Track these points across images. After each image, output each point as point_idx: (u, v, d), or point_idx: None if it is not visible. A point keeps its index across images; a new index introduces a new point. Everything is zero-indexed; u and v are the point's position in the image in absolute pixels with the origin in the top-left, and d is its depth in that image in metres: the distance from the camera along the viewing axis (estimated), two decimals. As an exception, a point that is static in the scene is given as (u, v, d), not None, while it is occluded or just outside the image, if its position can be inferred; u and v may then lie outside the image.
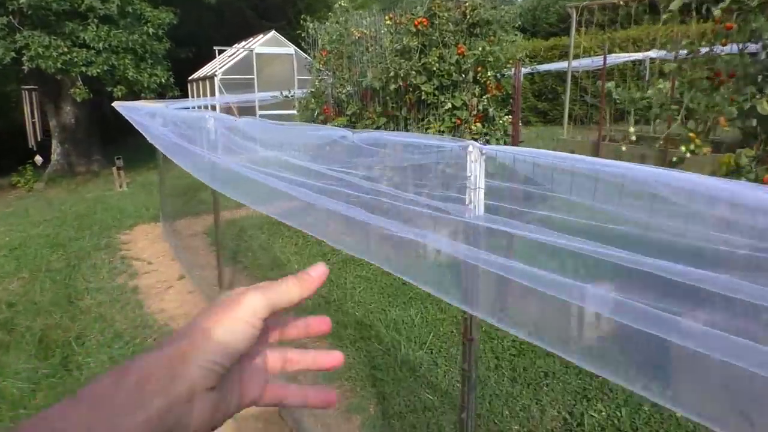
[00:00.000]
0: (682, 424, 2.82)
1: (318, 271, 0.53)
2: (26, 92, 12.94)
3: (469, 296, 1.63)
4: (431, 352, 3.75)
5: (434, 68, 4.88)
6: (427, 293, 4.69)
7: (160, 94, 12.48)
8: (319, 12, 27.60)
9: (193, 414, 0.42)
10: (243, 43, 14.11)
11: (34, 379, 3.90)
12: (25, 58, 10.26)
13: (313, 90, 6.78)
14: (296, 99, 7.39)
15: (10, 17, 10.16)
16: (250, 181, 2.69)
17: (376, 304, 4.55)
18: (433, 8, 4.82)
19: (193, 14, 16.54)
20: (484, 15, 4.83)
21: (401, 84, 5.06)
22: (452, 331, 3.99)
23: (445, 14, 4.82)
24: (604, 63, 8.66)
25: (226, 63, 13.24)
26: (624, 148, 6.20)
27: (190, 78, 15.20)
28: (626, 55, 11.76)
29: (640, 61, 12.05)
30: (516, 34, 5.08)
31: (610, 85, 9.80)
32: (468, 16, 4.92)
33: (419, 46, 4.92)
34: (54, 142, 14.36)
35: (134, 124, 5.98)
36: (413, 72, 4.90)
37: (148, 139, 5.27)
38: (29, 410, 3.51)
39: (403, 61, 4.96)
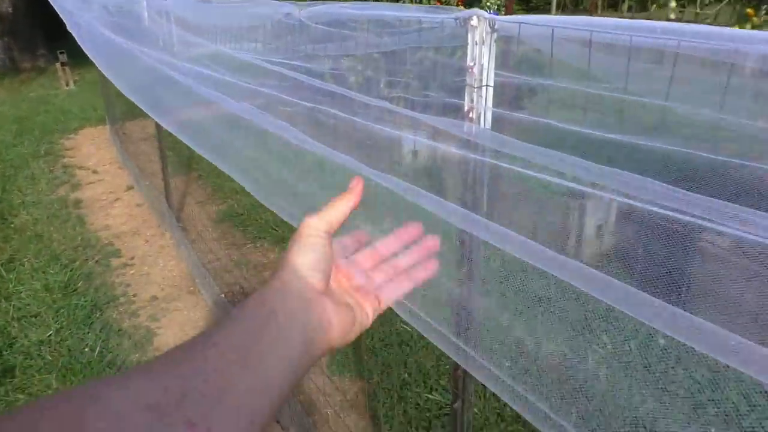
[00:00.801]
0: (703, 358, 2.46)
1: (356, 184, 0.55)
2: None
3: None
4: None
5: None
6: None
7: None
8: None
9: (322, 320, 0.48)
10: None
11: (-49, 312, 3.39)
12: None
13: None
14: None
15: None
16: (169, 83, 2.08)
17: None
18: None
19: None
20: None
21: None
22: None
23: None
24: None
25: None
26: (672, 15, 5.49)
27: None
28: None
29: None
30: None
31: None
32: None
33: None
34: (-9, 35, 13.02)
35: (61, 15, 5.09)
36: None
37: (76, 38, 4.47)
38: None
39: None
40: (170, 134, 5.94)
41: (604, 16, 9.75)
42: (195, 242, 4.06)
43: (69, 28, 4.28)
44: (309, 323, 0.46)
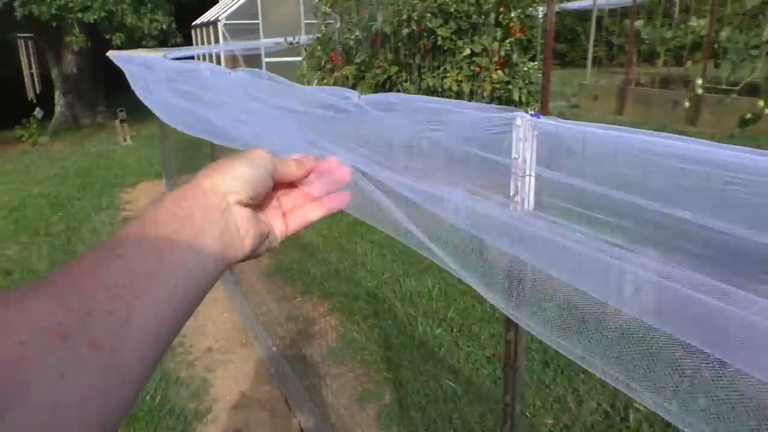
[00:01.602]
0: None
1: (310, 159, 0.59)
2: (22, 41, 12.42)
3: (513, 300, 1.24)
4: (451, 330, 3.41)
5: (452, 9, 4.36)
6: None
7: (162, 41, 11.91)
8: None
9: (239, 228, 0.48)
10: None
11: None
12: (17, 3, 9.70)
13: (319, 36, 6.26)
14: (302, 46, 6.86)
15: (-1, -41, 9.58)
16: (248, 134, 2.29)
17: (390, 274, 4.20)
18: (451, -61, 4.26)
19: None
20: (509, -54, 4.27)
21: (414, 28, 4.55)
22: (473, 306, 3.64)
23: (465, -55, 4.26)
24: None
25: (230, 7, 12.57)
26: (687, 104, 5.61)
27: (193, 24, 14.54)
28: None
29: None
30: (545, -32, 4.50)
31: (639, 23, 9.11)
32: (491, -52, 4.36)
33: (435, -16, 4.39)
34: (57, 93, 13.93)
35: (128, 78, 5.54)
36: (428, 14, 4.38)
37: (138, 94, 4.84)
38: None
39: (416, 1, 4.43)
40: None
41: (639, 72, 9.86)
42: (247, 295, 4.25)
43: (135, 89, 4.64)
44: (227, 231, 0.46)
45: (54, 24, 10.56)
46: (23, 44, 12.32)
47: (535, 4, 4.51)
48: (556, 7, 9.13)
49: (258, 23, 12.21)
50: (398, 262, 4.37)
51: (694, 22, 8.57)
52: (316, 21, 7.59)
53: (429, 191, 1.32)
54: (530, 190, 1.20)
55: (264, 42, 10.80)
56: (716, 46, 6.99)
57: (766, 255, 0.78)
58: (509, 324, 1.29)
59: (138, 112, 13.41)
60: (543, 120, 1.14)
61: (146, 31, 11.20)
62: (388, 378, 3.09)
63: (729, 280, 0.82)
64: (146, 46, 10.85)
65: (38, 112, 12.58)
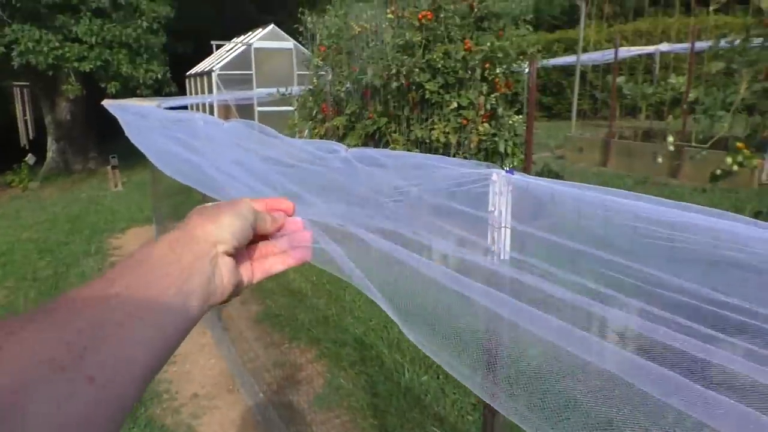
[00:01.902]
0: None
1: (281, 216, 0.64)
2: (18, 89, 12.61)
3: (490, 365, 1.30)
4: (437, 377, 3.44)
5: (439, 65, 4.55)
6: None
7: (157, 90, 12.14)
8: (321, 4, 27.22)
9: (223, 276, 0.52)
10: (242, 37, 13.74)
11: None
12: (15, 53, 9.92)
13: (311, 87, 6.45)
14: (294, 97, 7.05)
15: (-1, 10, 9.84)
16: (234, 186, 2.38)
17: (378, 320, 4.23)
18: (439, 1, 4.48)
19: (192, 7, 16.18)
20: (492, 8, 4.49)
21: (403, 82, 4.73)
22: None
23: (451, 7, 4.48)
24: (616, 56, 8.31)
25: (224, 58, 12.89)
26: (660, 160, 5.81)
27: (187, 74, 14.86)
28: (636, 48, 11.37)
29: (650, 55, 11.65)
30: (528, 28, 4.73)
31: (620, 80, 9.45)
32: (476, 9, 4.58)
33: (423, 41, 4.59)
34: (49, 140, 14.06)
35: (123, 126, 5.65)
36: (416, 69, 4.56)
37: (134, 143, 4.94)
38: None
39: (405, 57, 4.62)
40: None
41: (622, 125, 10.17)
42: (235, 341, 4.26)
43: (129, 136, 4.74)
44: (212, 278, 0.49)
45: (50, 73, 10.77)
46: (18, 92, 12.50)
47: (519, 61, 4.71)
48: (542, 63, 9.46)
49: (251, 74, 12.51)
50: (386, 309, 4.41)
51: (673, 79, 8.90)
52: (307, 72, 7.83)
53: (409, 238, 1.40)
54: (506, 241, 1.28)
55: (257, 92, 11.05)
56: (695, 101, 7.26)
57: (711, 309, 0.86)
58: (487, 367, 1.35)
59: (129, 158, 13.53)
60: (516, 176, 1.23)
61: (141, 81, 11.44)
62: (374, 425, 3.09)
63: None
64: (141, 95, 11.07)
65: (30, 158, 12.67)
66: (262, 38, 12.86)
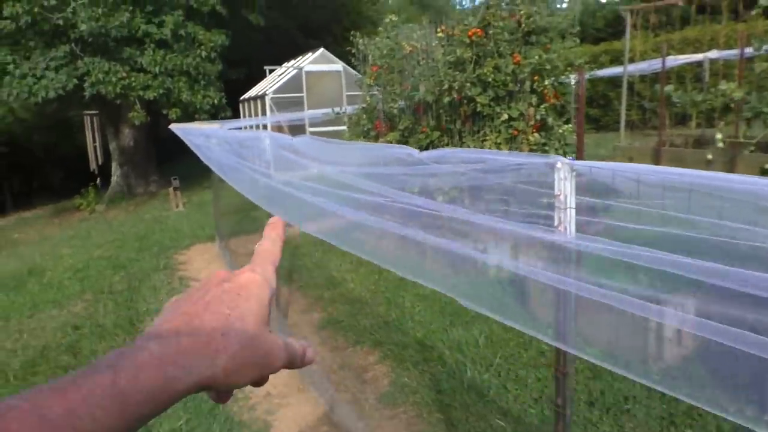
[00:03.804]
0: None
1: (281, 225, 0.64)
2: (88, 117, 13.45)
3: (561, 327, 1.49)
4: (499, 375, 3.58)
5: (489, 79, 4.75)
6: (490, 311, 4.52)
7: (213, 114, 12.74)
8: (364, 28, 27.84)
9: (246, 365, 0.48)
10: (293, 61, 14.28)
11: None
12: (86, 84, 10.65)
13: (364, 106, 6.74)
14: (347, 115, 7.36)
15: (72, 45, 10.58)
16: (299, 200, 2.62)
17: (437, 324, 4.41)
18: (488, 18, 4.70)
19: (243, 36, 16.89)
20: (540, 22, 4.67)
21: (455, 96, 4.94)
22: (519, 352, 3.81)
23: (500, 23, 4.68)
24: (663, 66, 8.31)
25: (277, 82, 13.41)
26: (710, 156, 5.85)
27: (241, 98, 15.50)
28: (684, 57, 11.28)
29: (699, 63, 11.53)
30: (574, 40, 4.89)
31: (669, 88, 9.41)
32: (523, 25, 4.78)
33: (473, 57, 4.80)
34: (114, 165, 14.85)
35: (190, 146, 6.06)
36: (468, 84, 4.78)
37: (203, 160, 5.31)
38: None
39: (457, 73, 4.84)
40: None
41: (672, 134, 10.09)
42: (301, 345, 4.49)
43: (205, 161, 5.09)
44: (207, 370, 0.45)
45: (118, 102, 11.48)
46: (89, 120, 13.33)
47: (567, 72, 4.86)
48: (590, 74, 9.52)
49: (303, 96, 12.97)
50: (444, 313, 4.58)
51: (723, 85, 8.82)
52: (356, 93, 8.14)
53: (483, 224, 1.60)
54: (571, 221, 1.47)
55: (309, 113, 11.47)
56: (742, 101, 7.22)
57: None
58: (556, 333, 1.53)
59: (188, 181, 14.19)
60: (579, 162, 1.42)
61: (199, 106, 12.03)
62: (440, 419, 3.26)
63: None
64: (199, 119, 11.64)
65: (99, 183, 13.43)
66: (313, 62, 13.33)
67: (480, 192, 1.80)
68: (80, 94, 10.90)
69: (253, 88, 15.35)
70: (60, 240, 10.87)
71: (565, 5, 5.74)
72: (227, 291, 0.50)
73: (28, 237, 12.83)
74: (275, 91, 13.01)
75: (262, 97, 13.31)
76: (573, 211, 1.45)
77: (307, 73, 13.05)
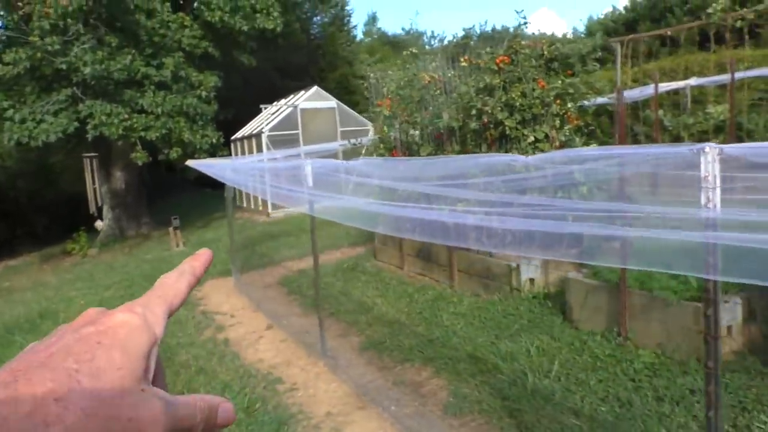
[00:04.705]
0: None
1: (203, 259, 0.49)
2: (87, 159, 13.44)
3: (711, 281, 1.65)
4: (559, 380, 3.71)
5: (517, 104, 5.01)
6: (533, 324, 4.68)
7: (211, 153, 12.85)
8: (340, 68, 28.40)
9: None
10: (284, 100, 14.55)
11: None
12: (89, 126, 10.71)
13: (380, 136, 6.96)
14: (364, 146, 7.58)
15: (74, 88, 10.67)
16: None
17: (484, 338, 4.53)
18: (514, 46, 4.99)
19: (228, 78, 17.17)
20: (563, 49, 4.98)
21: (484, 121, 5.18)
22: (574, 358, 3.95)
23: (527, 51, 4.98)
24: (656, 92, 8.74)
25: (272, 120, 13.64)
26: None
27: (232, 137, 15.66)
28: (668, 84, 11.84)
29: (676, 91, 12.09)
30: (595, 66, 5.21)
31: (659, 113, 9.86)
32: (545, 52, 5.08)
33: (501, 83, 5.07)
34: (105, 208, 14.77)
35: (215, 177, 6.20)
36: (498, 108, 5.03)
37: (235, 186, 5.43)
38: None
39: (488, 98, 5.10)
40: (297, 281, 6.75)
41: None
42: (348, 367, 4.57)
43: (243, 188, 5.22)
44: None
45: (120, 143, 11.54)
46: (88, 162, 13.32)
47: (588, 96, 5.15)
48: (582, 102, 9.88)
49: (298, 133, 13.20)
50: (487, 328, 4.72)
51: (711, 109, 9.29)
52: (352, 128, 8.37)
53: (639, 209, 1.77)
54: (718, 199, 1.66)
55: (307, 149, 11.67)
56: (739, 129, 7.63)
57: None
58: (707, 304, 1.70)
59: (182, 220, 14.16)
60: (727, 147, 1.62)
61: (198, 146, 12.15)
62: (512, 423, 3.37)
63: None
64: (198, 158, 11.75)
65: (98, 224, 13.35)
66: (307, 99, 13.62)
67: (621, 183, 1.98)
68: (78, 137, 10.90)
69: (246, 127, 15.55)
70: (60, 284, 10.72)
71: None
72: (83, 338, 0.37)
73: (20, 284, 12.57)
74: (271, 129, 13.22)
75: (257, 135, 13.49)
76: (719, 191, 1.64)
77: (302, 110, 13.30)
